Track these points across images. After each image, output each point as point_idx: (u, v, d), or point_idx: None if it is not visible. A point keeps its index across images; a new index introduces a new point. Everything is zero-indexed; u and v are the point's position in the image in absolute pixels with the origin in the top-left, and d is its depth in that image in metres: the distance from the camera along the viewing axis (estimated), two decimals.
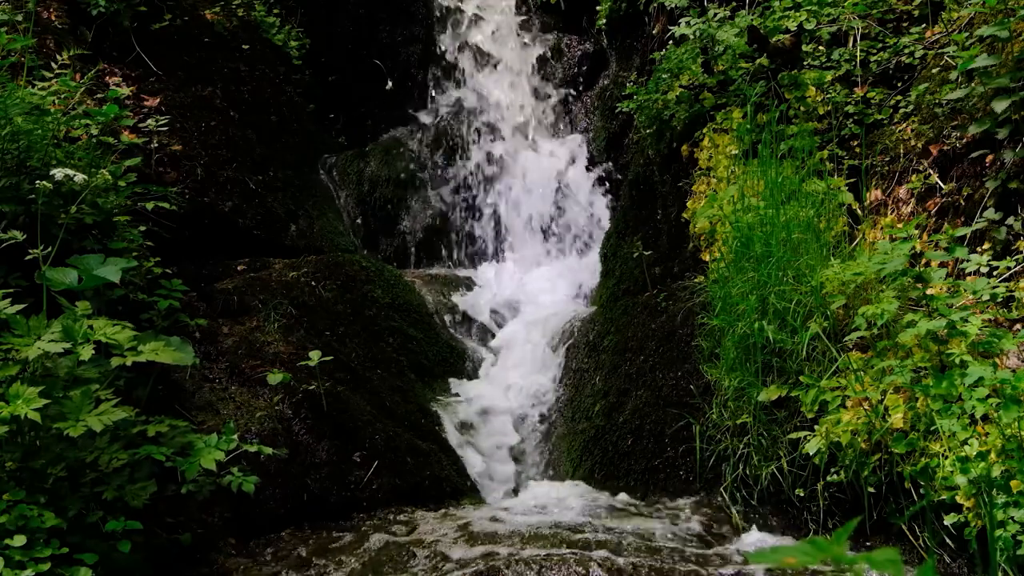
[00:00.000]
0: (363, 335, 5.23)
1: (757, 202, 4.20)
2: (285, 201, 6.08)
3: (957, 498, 3.06)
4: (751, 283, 3.99)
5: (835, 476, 3.52)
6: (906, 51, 4.68)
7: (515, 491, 4.92)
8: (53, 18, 5.36)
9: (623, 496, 4.44)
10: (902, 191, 4.21)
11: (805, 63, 4.89)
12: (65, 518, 2.92)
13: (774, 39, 4.92)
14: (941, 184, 4.03)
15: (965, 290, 3.49)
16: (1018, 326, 3.40)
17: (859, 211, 4.33)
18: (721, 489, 4.04)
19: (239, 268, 5.30)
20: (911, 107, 4.45)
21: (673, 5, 5.83)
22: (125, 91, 5.14)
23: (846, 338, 3.70)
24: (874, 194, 4.34)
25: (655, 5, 6.58)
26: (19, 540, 2.75)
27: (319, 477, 4.20)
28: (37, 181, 3.44)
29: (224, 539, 3.76)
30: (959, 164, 3.99)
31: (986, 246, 3.65)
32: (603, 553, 3.49)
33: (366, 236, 6.85)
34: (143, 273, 4.14)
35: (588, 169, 7.19)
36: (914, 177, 4.15)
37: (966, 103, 4.01)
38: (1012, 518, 2.83)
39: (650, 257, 5.37)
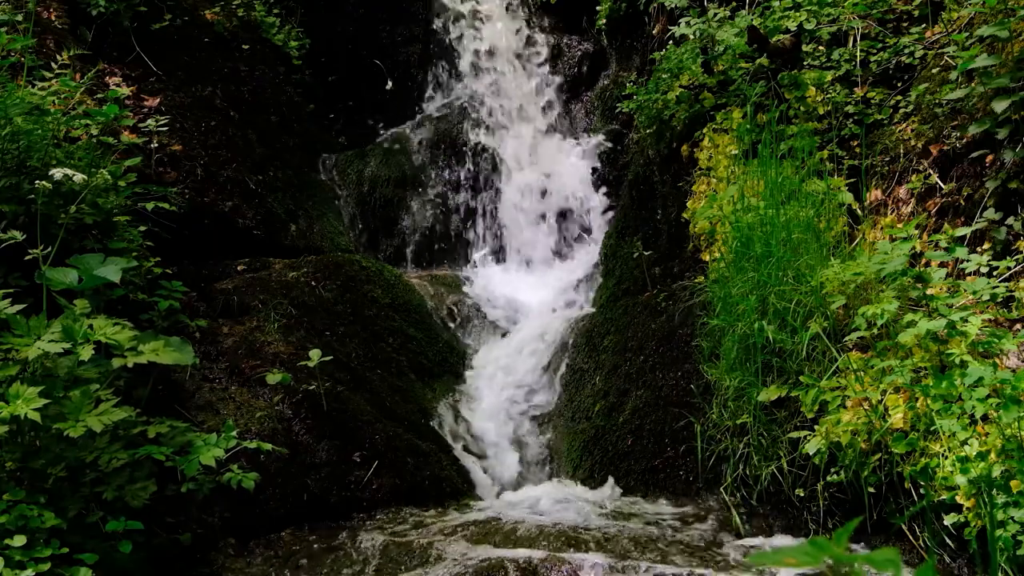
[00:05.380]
0: (363, 335, 5.23)
1: (757, 202, 4.20)
2: (285, 201, 6.08)
3: (957, 498, 3.06)
4: (751, 283, 3.99)
5: (835, 476, 3.52)
6: (906, 51, 4.68)
7: (515, 491, 4.92)
8: (53, 18, 5.36)
9: (623, 496, 4.44)
10: (902, 191, 4.21)
11: (805, 63, 4.89)
12: (65, 518, 2.92)
13: (774, 39, 4.92)
14: (941, 184, 4.03)
15: (965, 290, 3.49)
16: (1018, 326, 3.40)
17: (859, 211, 4.33)
18: (721, 489, 4.04)
19: (239, 268, 5.30)
20: (911, 107, 4.45)
21: (673, 5, 5.83)
22: (125, 91, 5.14)
23: (846, 338, 3.70)
24: (874, 194, 4.34)
25: (655, 5, 6.59)
26: (19, 540, 2.75)
27: (319, 477, 4.20)
28: (37, 181, 3.44)
29: (224, 539, 3.76)
30: (959, 164, 3.99)
31: (986, 246, 3.65)
32: (602, 553, 3.49)
33: (366, 236, 6.85)
34: (143, 273, 4.14)
35: (588, 169, 7.19)
36: (914, 177, 4.15)
37: (966, 103, 4.01)
38: (1012, 518, 2.83)
39: (650, 257, 5.37)
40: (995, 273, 3.53)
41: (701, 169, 5.04)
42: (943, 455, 3.16)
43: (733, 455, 3.98)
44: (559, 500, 4.49)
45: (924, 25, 4.79)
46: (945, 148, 4.08)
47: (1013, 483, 2.91)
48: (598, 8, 7.37)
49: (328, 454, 4.27)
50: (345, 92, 7.66)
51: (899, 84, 4.68)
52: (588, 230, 6.90)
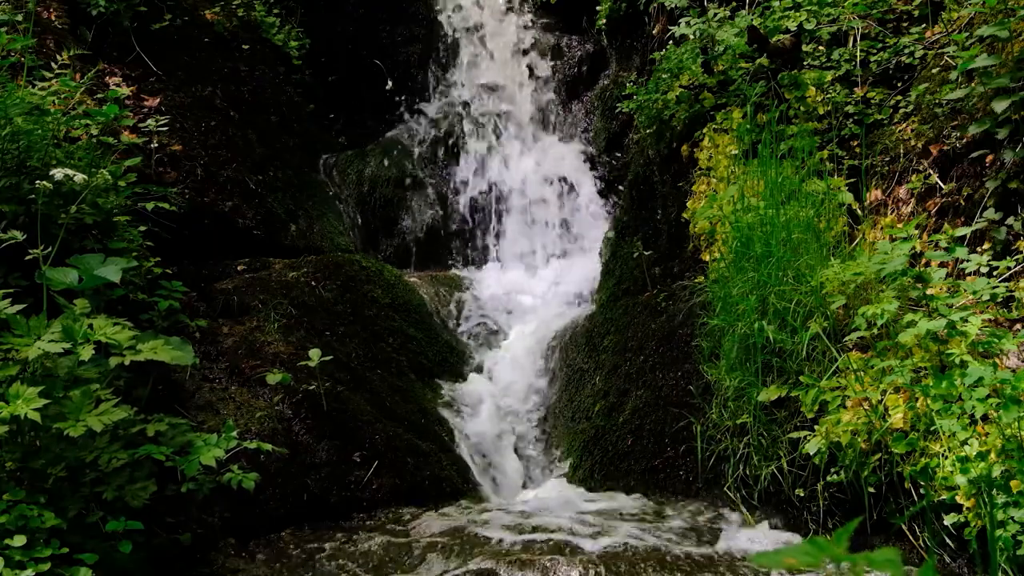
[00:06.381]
0: (363, 335, 5.23)
1: (757, 202, 4.20)
2: (285, 201, 6.08)
3: (957, 498, 3.06)
4: (751, 283, 3.99)
5: (835, 476, 3.52)
6: (906, 51, 4.68)
7: (514, 491, 4.92)
8: (53, 18, 5.36)
9: (622, 496, 4.44)
10: (902, 191, 4.21)
11: (805, 63, 4.89)
12: (65, 518, 2.92)
13: (774, 39, 4.92)
14: (941, 184, 4.03)
15: (965, 290, 3.49)
16: (1018, 326, 3.40)
17: (859, 211, 4.33)
18: (725, 489, 4.04)
19: (239, 268, 5.30)
20: (911, 107, 4.45)
21: (673, 5, 5.83)
22: (125, 91, 5.14)
23: (846, 338, 3.70)
24: (874, 194, 4.34)
25: (655, 5, 6.59)
26: (19, 540, 2.75)
27: (319, 477, 4.20)
28: (37, 181, 3.44)
29: (224, 539, 3.76)
30: (959, 164, 3.99)
31: (986, 246, 3.65)
32: (602, 551, 3.49)
33: (366, 236, 6.85)
34: (143, 273, 4.14)
35: (588, 169, 7.19)
36: (914, 177, 4.15)
37: (966, 103, 4.01)
38: (1012, 518, 2.83)
39: (650, 257, 5.37)
40: (995, 273, 3.53)
41: (701, 169, 5.04)
42: (943, 455, 3.16)
43: (733, 455, 3.98)
44: (558, 500, 4.49)
45: (924, 25, 4.79)
46: (945, 148, 4.08)
47: (1013, 483, 2.91)
48: (598, 8, 7.37)
49: (328, 454, 4.27)
50: (345, 92, 7.66)
51: (899, 84, 4.68)
52: (588, 230, 6.90)
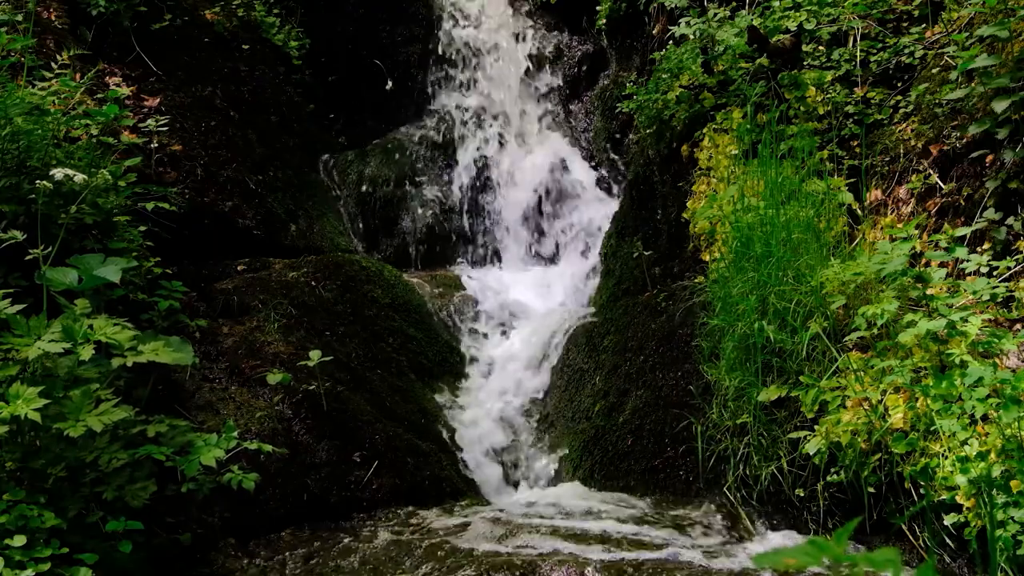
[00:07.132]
0: (363, 335, 5.23)
1: (757, 202, 4.20)
2: (285, 201, 6.08)
3: (957, 498, 3.06)
4: (751, 283, 3.99)
5: (835, 476, 3.53)
6: (906, 51, 4.68)
7: (514, 491, 4.92)
8: (53, 18, 5.36)
9: (623, 496, 4.44)
10: (902, 191, 4.21)
11: (805, 63, 4.89)
12: (65, 518, 2.92)
13: (774, 39, 4.92)
14: (941, 184, 4.03)
15: (965, 290, 3.49)
16: (1018, 326, 3.41)
17: (859, 211, 4.33)
18: (724, 489, 4.04)
19: (239, 268, 5.30)
20: (911, 107, 4.45)
21: (673, 5, 5.83)
22: (125, 91, 5.14)
23: (846, 338, 3.70)
24: (874, 194, 4.34)
25: (655, 5, 6.59)
26: (19, 540, 2.75)
27: (319, 477, 4.20)
28: (37, 181, 3.44)
29: (224, 539, 3.76)
30: (959, 164, 3.99)
31: (986, 246, 3.65)
32: (602, 553, 3.49)
33: (366, 236, 6.85)
34: (143, 273, 4.15)
35: (588, 170, 7.19)
36: (914, 177, 4.15)
37: (966, 103, 4.01)
38: (1012, 518, 2.83)
39: (650, 257, 5.37)
40: (995, 273, 3.53)
41: (701, 169, 5.04)
42: (943, 455, 3.16)
43: (733, 455, 3.98)
44: (558, 500, 4.49)
45: (924, 25, 4.79)
46: (945, 148, 4.08)
47: (1013, 483, 2.91)
48: (598, 8, 7.37)
49: (328, 454, 4.27)
50: (345, 92, 7.66)
51: (899, 84, 4.68)
52: (588, 230, 6.90)
